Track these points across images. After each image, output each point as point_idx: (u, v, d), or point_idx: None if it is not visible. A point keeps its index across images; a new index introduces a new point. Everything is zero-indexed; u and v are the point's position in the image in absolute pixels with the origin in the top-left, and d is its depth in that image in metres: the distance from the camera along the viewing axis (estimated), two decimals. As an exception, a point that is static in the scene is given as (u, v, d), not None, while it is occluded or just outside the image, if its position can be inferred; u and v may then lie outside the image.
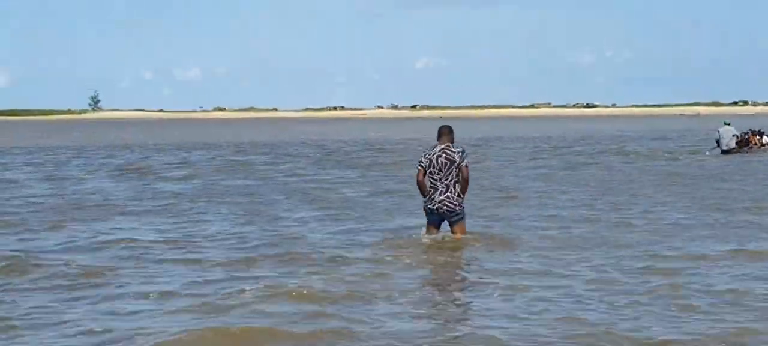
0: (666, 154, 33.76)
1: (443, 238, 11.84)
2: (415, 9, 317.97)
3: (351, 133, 69.93)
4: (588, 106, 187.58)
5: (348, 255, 11.24)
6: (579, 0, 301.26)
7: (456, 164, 11.64)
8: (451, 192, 11.64)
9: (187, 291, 9.34)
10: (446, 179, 11.62)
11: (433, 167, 11.67)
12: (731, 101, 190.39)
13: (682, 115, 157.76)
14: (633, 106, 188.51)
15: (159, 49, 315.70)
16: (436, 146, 11.84)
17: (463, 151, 11.79)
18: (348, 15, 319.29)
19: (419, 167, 11.82)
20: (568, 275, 9.92)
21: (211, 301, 8.81)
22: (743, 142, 32.37)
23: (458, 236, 11.78)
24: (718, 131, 32.12)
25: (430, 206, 11.74)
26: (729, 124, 32.36)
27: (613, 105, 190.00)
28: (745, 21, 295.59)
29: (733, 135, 31.69)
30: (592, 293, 9.05)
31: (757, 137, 33.58)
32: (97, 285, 9.71)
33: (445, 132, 11.85)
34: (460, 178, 11.68)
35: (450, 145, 11.77)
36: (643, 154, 34.12)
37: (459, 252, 11.48)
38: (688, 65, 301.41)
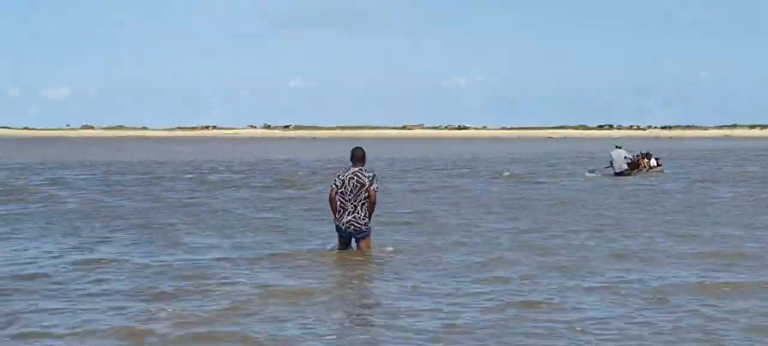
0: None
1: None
2: (289, 30, 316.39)
3: (229, 153, 68.32)
4: (460, 127, 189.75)
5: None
6: (452, 29, 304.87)
7: (365, 187, 12.36)
8: (358, 212, 12.41)
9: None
10: (355, 201, 12.38)
11: (345, 188, 12.40)
12: (597, 125, 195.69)
13: (550, 137, 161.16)
14: (503, 128, 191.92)
15: (25, 67, 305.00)
16: (349, 168, 12.53)
17: (373, 176, 12.45)
18: (222, 36, 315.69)
19: (333, 186, 12.51)
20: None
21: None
22: (634, 165, 32.86)
23: (363, 248, 12.63)
24: (611, 154, 32.54)
25: (339, 225, 12.54)
26: (620, 148, 32.98)
27: (484, 127, 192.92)
28: (609, 49, 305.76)
29: (625, 157, 32.10)
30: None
31: (646, 160, 34.28)
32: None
33: (359, 156, 12.50)
34: (367, 201, 12.40)
35: (362, 168, 12.46)
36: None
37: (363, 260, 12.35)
38: (555, 91, 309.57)
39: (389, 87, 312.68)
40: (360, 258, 12.49)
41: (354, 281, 11.29)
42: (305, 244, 14.22)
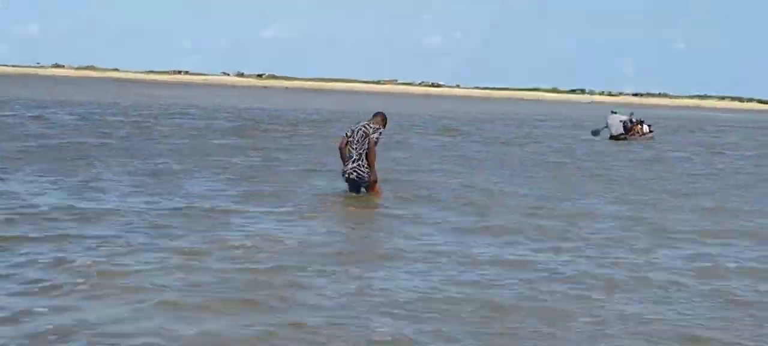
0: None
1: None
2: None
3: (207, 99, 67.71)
4: (433, 85, 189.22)
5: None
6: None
7: (367, 137, 13.27)
8: (361, 161, 13.31)
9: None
10: (359, 149, 13.32)
11: (353, 137, 13.40)
12: (569, 89, 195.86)
13: (521, 99, 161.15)
14: (475, 87, 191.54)
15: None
16: (361, 121, 13.79)
17: (379, 131, 13.36)
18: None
19: (344, 136, 13.53)
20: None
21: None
22: (628, 130, 33.49)
23: (371, 194, 13.56)
24: (607, 119, 33.36)
25: (343, 172, 13.55)
26: (616, 113, 33.80)
27: (457, 86, 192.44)
28: (585, 12, 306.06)
29: (621, 121, 32.94)
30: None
31: (639, 126, 34.77)
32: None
33: (377, 115, 13.68)
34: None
35: (371, 123, 13.46)
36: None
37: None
38: (528, 53, 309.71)
39: (364, 42, 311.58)
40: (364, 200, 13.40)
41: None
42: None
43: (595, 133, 34.06)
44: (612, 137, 32.80)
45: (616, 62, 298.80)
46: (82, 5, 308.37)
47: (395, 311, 7.38)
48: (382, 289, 8.06)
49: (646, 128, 35.02)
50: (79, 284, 7.71)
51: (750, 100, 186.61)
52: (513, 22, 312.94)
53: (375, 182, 13.50)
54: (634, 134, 34.03)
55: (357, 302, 7.65)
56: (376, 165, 13.48)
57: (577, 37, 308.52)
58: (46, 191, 13.15)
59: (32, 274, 8.01)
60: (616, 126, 33.00)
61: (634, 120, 34.53)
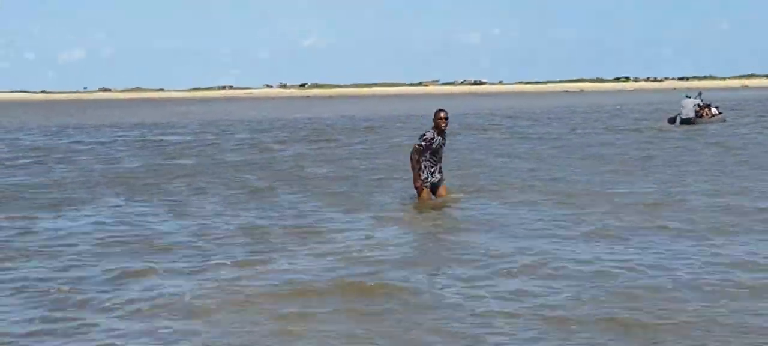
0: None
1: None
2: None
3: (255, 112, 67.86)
4: (476, 83, 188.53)
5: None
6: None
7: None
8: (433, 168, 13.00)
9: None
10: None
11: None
12: (613, 77, 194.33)
13: (566, 91, 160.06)
14: (519, 83, 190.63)
15: (41, 31, 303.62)
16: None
17: (424, 136, 12.73)
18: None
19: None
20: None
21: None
22: (699, 114, 33.42)
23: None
24: (681, 103, 33.27)
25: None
26: (690, 97, 33.67)
27: (501, 82, 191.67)
28: (623, 1, 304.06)
29: (694, 105, 32.84)
30: None
31: (707, 109, 34.59)
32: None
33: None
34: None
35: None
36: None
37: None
38: (568, 44, 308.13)
39: (402, 43, 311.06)
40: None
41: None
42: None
43: (672, 120, 33.69)
44: (683, 122, 32.53)
45: (656, 47, 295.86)
46: (125, 29, 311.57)
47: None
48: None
49: (714, 110, 34.69)
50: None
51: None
52: (546, 16, 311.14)
53: (418, 189, 12.87)
54: (703, 117, 33.63)
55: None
56: (419, 171, 12.80)
57: (616, 25, 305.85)
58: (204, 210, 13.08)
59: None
60: (688, 110, 32.87)
61: (702, 103, 34.17)
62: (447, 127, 12.90)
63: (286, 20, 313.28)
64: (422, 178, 12.79)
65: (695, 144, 23.73)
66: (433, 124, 12.83)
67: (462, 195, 13.69)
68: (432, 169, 12.90)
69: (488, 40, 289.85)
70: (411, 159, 12.77)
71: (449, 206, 12.80)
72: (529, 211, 12.36)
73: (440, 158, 13.00)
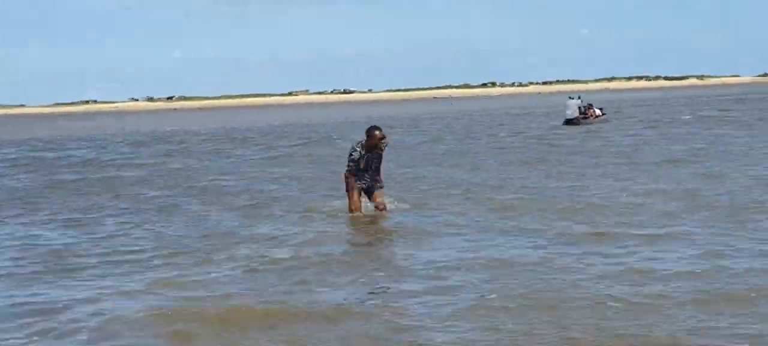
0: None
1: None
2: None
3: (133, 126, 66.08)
4: (345, 92, 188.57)
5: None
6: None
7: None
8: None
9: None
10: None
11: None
12: (480, 83, 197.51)
13: (435, 98, 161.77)
14: (388, 90, 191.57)
15: None
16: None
17: (352, 153, 12.39)
18: (107, 5, 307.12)
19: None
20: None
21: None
22: (584, 114, 34.12)
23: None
24: (567, 103, 33.94)
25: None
26: (573, 99, 34.34)
27: (370, 90, 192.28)
28: (489, 7, 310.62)
29: (578, 107, 33.63)
30: None
31: (592, 110, 35.38)
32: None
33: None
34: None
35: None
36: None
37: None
38: (436, 52, 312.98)
39: (272, 54, 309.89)
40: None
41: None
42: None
43: (570, 121, 34.24)
44: (567, 122, 33.56)
45: (522, 54, 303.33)
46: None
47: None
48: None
49: (598, 111, 35.55)
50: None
51: (657, 78, 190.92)
52: (415, 25, 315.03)
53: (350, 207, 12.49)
54: (588, 117, 34.55)
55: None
56: (351, 190, 12.44)
57: (485, 35, 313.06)
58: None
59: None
60: (573, 110, 33.83)
61: (584, 105, 35.02)
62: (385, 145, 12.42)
63: (156, 33, 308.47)
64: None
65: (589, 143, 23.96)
66: (363, 140, 12.40)
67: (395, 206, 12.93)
68: (361, 178, 12.49)
69: (358, 51, 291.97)
70: (346, 183, 12.49)
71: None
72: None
73: (374, 170, 12.44)
